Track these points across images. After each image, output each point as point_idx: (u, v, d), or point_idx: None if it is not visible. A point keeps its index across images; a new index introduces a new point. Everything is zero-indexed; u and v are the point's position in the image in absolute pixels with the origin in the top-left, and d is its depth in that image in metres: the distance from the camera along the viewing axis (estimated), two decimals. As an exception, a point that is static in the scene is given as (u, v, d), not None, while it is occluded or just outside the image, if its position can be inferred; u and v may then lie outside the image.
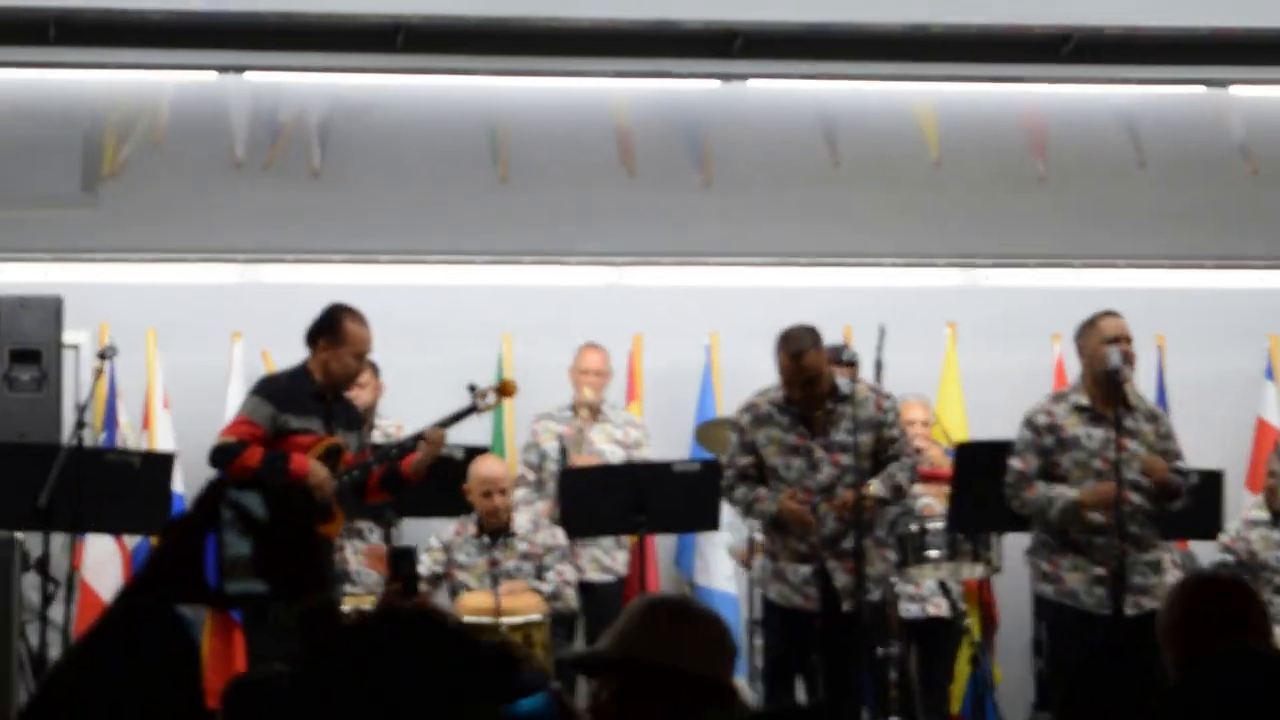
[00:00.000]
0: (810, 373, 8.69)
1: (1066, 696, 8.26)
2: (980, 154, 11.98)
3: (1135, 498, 8.66)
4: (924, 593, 10.30)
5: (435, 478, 9.17)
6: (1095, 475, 8.71)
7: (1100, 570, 8.69)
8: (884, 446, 8.82)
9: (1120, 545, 8.57)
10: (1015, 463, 8.83)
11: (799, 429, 8.78)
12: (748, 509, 8.90)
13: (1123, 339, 8.78)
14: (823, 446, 8.74)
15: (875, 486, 8.76)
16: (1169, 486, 8.68)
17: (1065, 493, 8.66)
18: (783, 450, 8.76)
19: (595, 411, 10.95)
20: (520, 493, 10.59)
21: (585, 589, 10.42)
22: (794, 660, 8.86)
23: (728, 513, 9.96)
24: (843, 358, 9.33)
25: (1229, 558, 10.30)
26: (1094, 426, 8.79)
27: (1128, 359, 8.77)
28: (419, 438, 8.93)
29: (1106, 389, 8.77)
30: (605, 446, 10.84)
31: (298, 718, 2.56)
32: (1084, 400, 8.84)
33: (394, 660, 2.64)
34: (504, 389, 9.42)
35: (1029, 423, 8.90)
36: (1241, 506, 10.74)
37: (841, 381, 8.87)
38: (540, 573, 9.98)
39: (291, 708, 2.62)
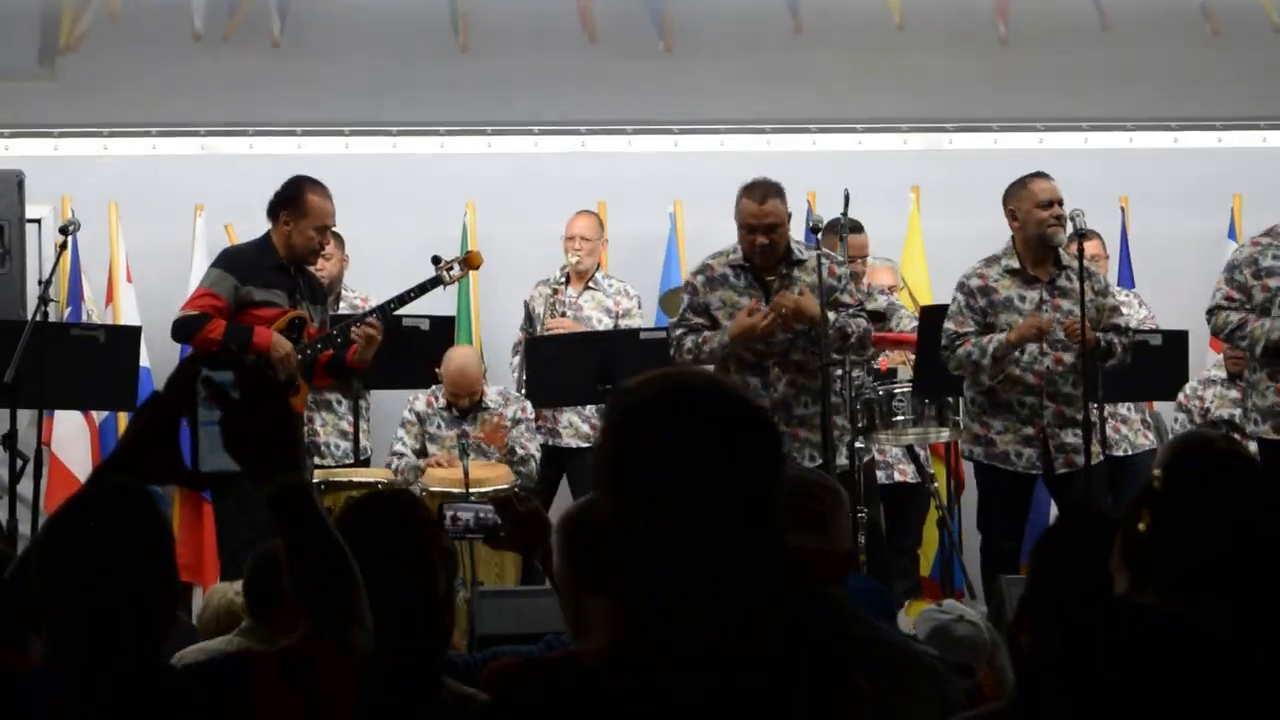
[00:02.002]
0: (771, 219, 8.65)
1: (999, 558, 8.37)
2: (942, 17, 11.95)
3: (1067, 358, 8.69)
4: (889, 459, 10.35)
5: (403, 350, 9.17)
6: None
7: (1030, 430, 8.74)
8: (837, 310, 8.79)
9: (1055, 408, 8.63)
10: (949, 325, 8.86)
11: (753, 291, 8.74)
12: (697, 356, 8.77)
13: (1055, 202, 8.78)
14: (776, 310, 8.69)
15: (830, 320, 8.69)
16: (1095, 346, 8.69)
17: (995, 336, 8.70)
18: (736, 312, 8.71)
19: (585, 278, 10.90)
20: (517, 358, 10.63)
21: (565, 454, 10.44)
22: None
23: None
24: (817, 222, 9.28)
25: (1182, 416, 10.38)
26: (1027, 288, 8.81)
27: (1059, 221, 8.76)
28: (357, 322, 8.88)
29: (1040, 251, 8.79)
30: (594, 313, 10.79)
31: None
32: (1015, 263, 8.85)
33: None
34: (469, 260, 9.40)
35: (961, 285, 8.92)
36: (1205, 365, 10.81)
37: (797, 245, 8.85)
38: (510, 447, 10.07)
39: None
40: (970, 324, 8.81)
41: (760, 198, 8.64)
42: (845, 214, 9.53)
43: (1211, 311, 8.78)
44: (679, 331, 8.82)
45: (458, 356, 10.12)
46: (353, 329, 8.84)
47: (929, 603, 6.42)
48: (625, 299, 10.91)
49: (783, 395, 8.68)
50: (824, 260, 8.78)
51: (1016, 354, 8.70)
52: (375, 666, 3.10)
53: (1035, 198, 8.78)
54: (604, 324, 10.73)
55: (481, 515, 4.66)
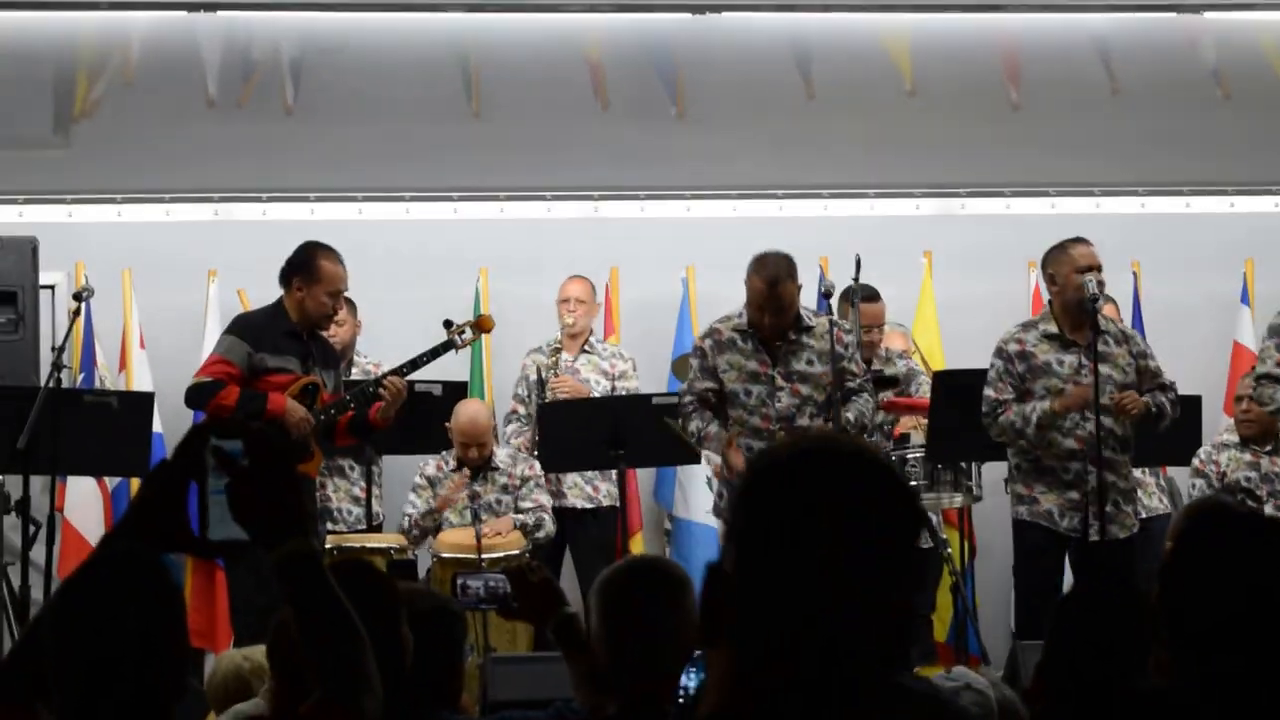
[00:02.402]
0: (782, 301, 8.69)
1: (1035, 616, 8.33)
2: (954, 83, 11.99)
3: (1108, 422, 8.69)
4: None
5: (414, 415, 9.19)
6: None
7: (1074, 495, 8.73)
8: (842, 379, 8.82)
9: (1099, 473, 8.62)
10: (989, 391, 8.86)
11: (760, 356, 8.78)
12: (696, 442, 8.86)
13: (1094, 267, 8.81)
14: (783, 375, 8.75)
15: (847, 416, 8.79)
16: (1147, 412, 8.71)
17: (1039, 405, 8.71)
18: (743, 377, 8.76)
19: (580, 342, 10.95)
20: (511, 426, 10.63)
21: (572, 515, 10.45)
22: None
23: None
24: (829, 287, 9.30)
25: (1200, 481, 10.36)
26: (1064, 353, 8.82)
27: (1101, 286, 8.80)
28: (379, 383, 8.91)
29: (1078, 316, 8.80)
30: (591, 376, 10.84)
31: None
32: (1053, 328, 8.87)
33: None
34: (480, 325, 9.43)
35: (1000, 351, 8.93)
36: (1218, 429, 10.79)
37: (806, 312, 8.88)
38: (517, 505, 10.04)
39: None
40: (1009, 391, 8.81)
41: (770, 279, 8.65)
42: (857, 279, 9.55)
43: (1260, 379, 8.77)
44: (688, 400, 8.86)
45: (468, 408, 10.13)
46: (383, 382, 8.86)
47: (941, 669, 6.40)
48: (621, 361, 10.97)
49: None
50: (834, 326, 8.81)
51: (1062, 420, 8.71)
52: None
53: (1075, 262, 8.80)
54: (601, 386, 10.78)
55: (492, 584, 4.66)
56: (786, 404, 8.71)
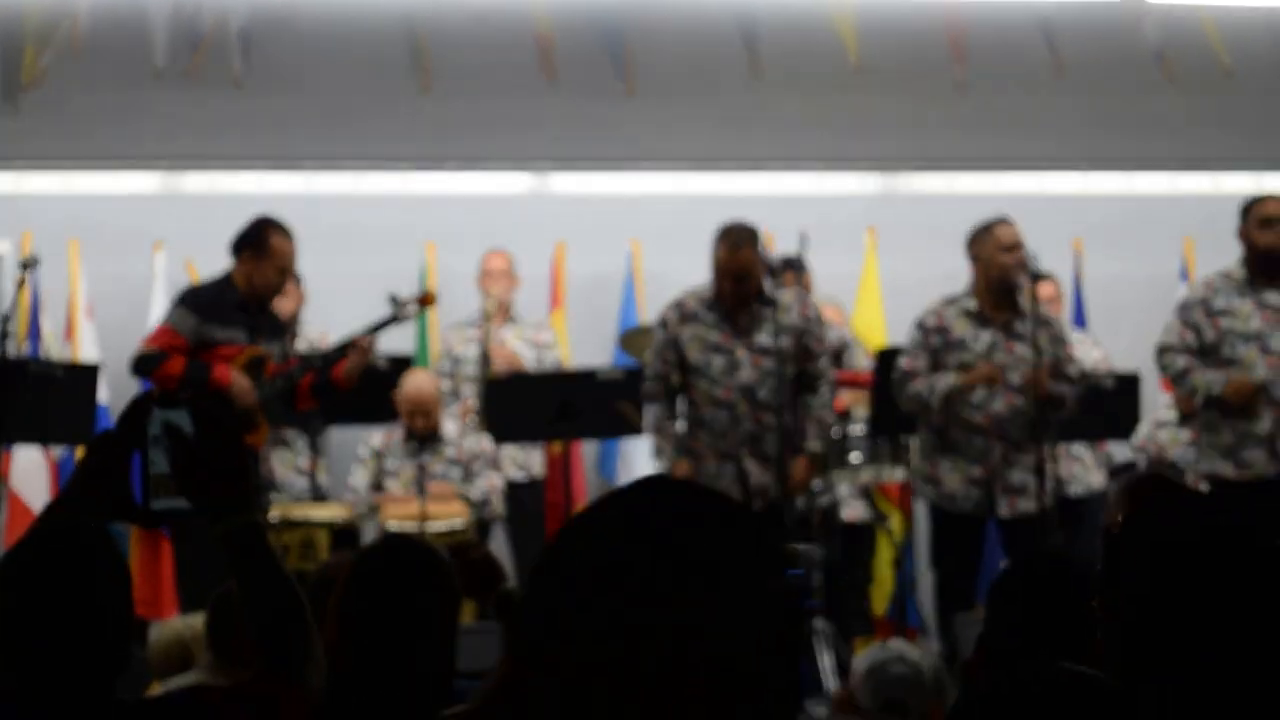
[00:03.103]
0: (744, 268, 8.77)
1: (956, 595, 8.40)
2: (899, 61, 12.06)
3: (1017, 401, 8.78)
4: (837, 497, 10.41)
5: (360, 386, 9.20)
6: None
7: (978, 471, 8.82)
8: (806, 356, 8.91)
9: (1001, 450, 8.71)
10: (902, 361, 8.97)
11: (723, 328, 8.86)
12: (654, 430, 8.98)
13: (1016, 247, 8.90)
14: (745, 347, 8.83)
15: (815, 444, 8.90)
16: (1051, 398, 8.79)
17: (947, 378, 8.80)
18: (705, 348, 8.85)
19: (505, 314, 11.01)
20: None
21: (507, 487, 10.52)
22: None
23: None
24: (773, 263, 9.38)
25: (1140, 457, 10.47)
26: (981, 329, 8.91)
27: (1022, 266, 8.88)
28: (347, 345, 8.95)
29: (999, 295, 8.89)
30: (518, 344, 10.92)
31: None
32: (973, 305, 8.95)
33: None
34: (425, 299, 9.45)
35: (919, 324, 9.03)
36: (1157, 406, 10.90)
37: (768, 285, 8.97)
38: (468, 477, 10.08)
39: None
40: (923, 361, 8.91)
41: (732, 245, 8.76)
42: (801, 255, 9.62)
43: (1162, 350, 8.87)
44: (651, 382, 8.98)
45: (414, 377, 10.17)
46: (355, 339, 8.88)
47: (878, 641, 6.48)
48: (545, 332, 11.10)
49: (748, 432, 8.78)
50: (796, 302, 8.95)
51: (968, 395, 8.79)
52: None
53: (999, 242, 8.89)
54: (529, 357, 10.85)
55: None
56: (748, 375, 8.79)
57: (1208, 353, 8.74)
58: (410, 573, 3.81)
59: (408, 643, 3.73)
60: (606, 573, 1.86)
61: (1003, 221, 9.00)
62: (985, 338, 8.88)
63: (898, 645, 5.69)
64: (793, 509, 8.97)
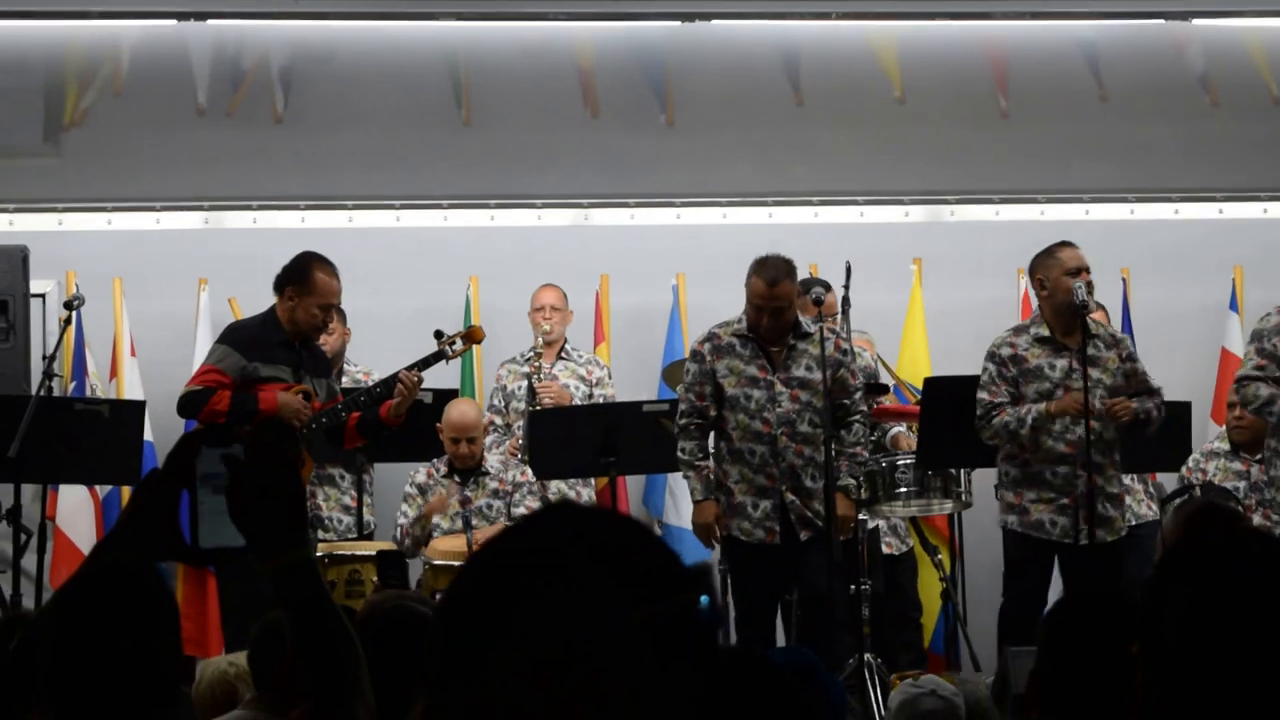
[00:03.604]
0: (781, 301, 8.73)
1: (1020, 625, 8.33)
2: (943, 90, 12.02)
3: (1098, 426, 8.73)
4: (878, 530, 10.35)
5: (405, 423, 9.17)
6: None
7: (1065, 500, 8.77)
8: (840, 389, 8.86)
9: (1089, 477, 8.65)
10: (983, 395, 8.90)
11: (760, 361, 8.82)
12: (685, 465, 8.93)
13: (1083, 270, 8.85)
14: (782, 381, 8.79)
15: (848, 481, 8.85)
16: (1135, 420, 8.76)
17: (1033, 409, 8.75)
18: (743, 381, 8.81)
19: (556, 349, 10.97)
20: (489, 438, 10.63)
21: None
22: (768, 599, 8.91)
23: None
24: (811, 295, 9.34)
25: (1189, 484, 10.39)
26: (1056, 356, 8.86)
27: (1089, 289, 8.84)
28: (393, 382, 8.92)
29: (1068, 320, 8.84)
30: (569, 382, 10.87)
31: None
32: (1045, 331, 8.90)
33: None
34: (471, 335, 9.42)
35: (992, 355, 8.97)
36: (1208, 437, 10.82)
37: (804, 320, 8.93)
38: (510, 511, 10.04)
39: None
40: (1004, 394, 8.86)
41: (770, 280, 8.74)
42: (847, 286, 9.59)
43: (1241, 381, 8.80)
44: (685, 419, 8.93)
45: (458, 404, 10.14)
46: (399, 377, 8.85)
47: (914, 676, 6.43)
48: (597, 368, 11.03)
49: (790, 465, 8.74)
50: (830, 335, 8.89)
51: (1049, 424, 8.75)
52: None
53: (1064, 265, 8.85)
54: (580, 392, 10.80)
55: None
56: (787, 409, 8.75)
57: None
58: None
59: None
60: (490, 607, 1.81)
61: (1066, 244, 8.95)
62: (1061, 364, 8.83)
63: (931, 680, 5.64)
64: (841, 544, 8.91)
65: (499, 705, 1.77)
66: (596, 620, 1.77)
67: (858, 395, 8.99)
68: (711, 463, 8.89)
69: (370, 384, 9.40)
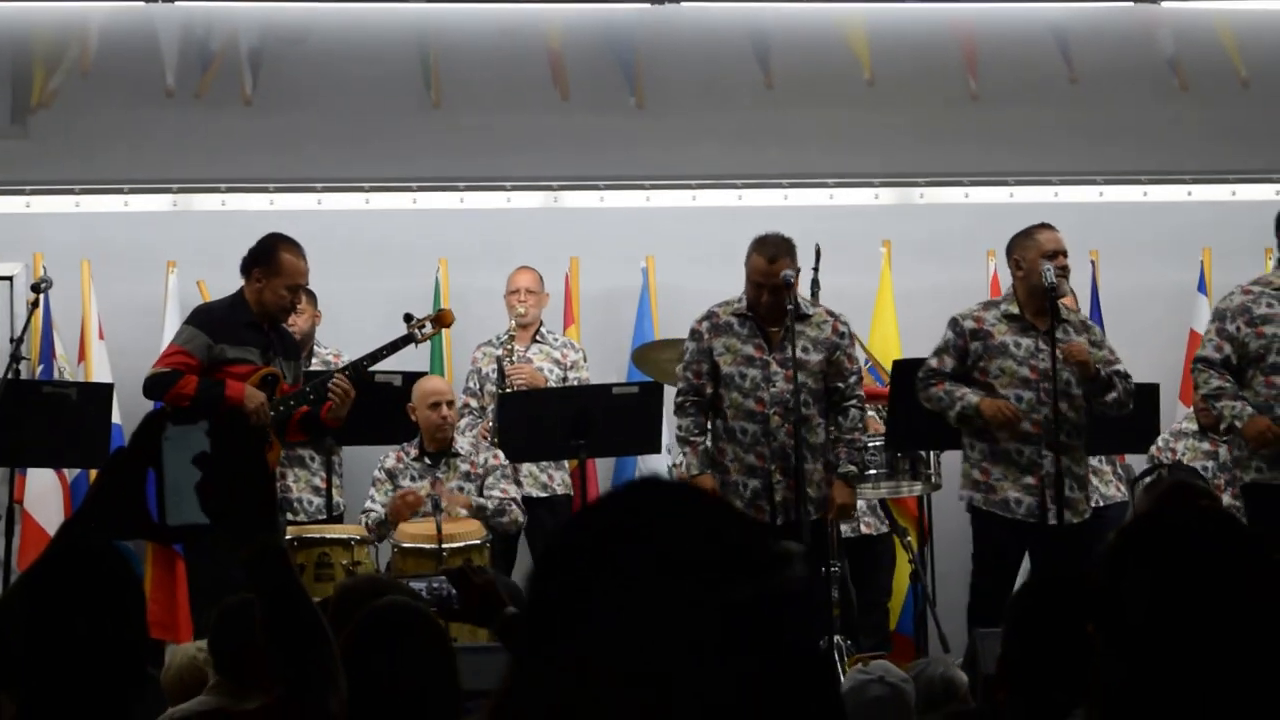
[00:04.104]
0: (779, 279, 8.75)
1: (991, 603, 8.33)
2: (912, 73, 12.02)
3: (1064, 407, 8.73)
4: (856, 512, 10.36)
5: (375, 406, 9.15)
6: (1022, 383, 8.79)
7: (1030, 480, 8.77)
8: (836, 372, 8.87)
9: (1055, 458, 8.66)
10: (932, 360, 8.94)
11: (757, 341, 8.83)
12: (681, 441, 8.94)
13: (1060, 253, 8.85)
14: (779, 361, 8.79)
15: (847, 467, 8.85)
16: (1093, 375, 8.75)
17: (969, 396, 8.75)
18: (739, 360, 8.81)
19: (531, 332, 10.95)
20: (463, 421, 10.61)
21: (527, 504, 10.44)
22: None
23: (668, 435, 10.01)
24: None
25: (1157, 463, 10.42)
26: (1023, 335, 8.86)
27: (1064, 273, 8.85)
28: (325, 386, 8.79)
29: (1040, 302, 8.84)
30: (543, 365, 10.85)
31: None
32: (1015, 309, 8.91)
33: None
34: (441, 319, 9.39)
35: (954, 323, 8.97)
36: (1176, 418, 10.85)
37: (804, 301, 8.95)
38: (482, 492, 10.02)
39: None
40: (950, 363, 8.87)
41: (770, 256, 8.74)
42: (817, 269, 9.59)
43: (1198, 362, 8.81)
44: (684, 396, 8.91)
45: (427, 378, 10.12)
46: (329, 385, 8.77)
47: (864, 661, 6.43)
48: (571, 352, 11.00)
49: (781, 445, 8.73)
50: (829, 318, 8.95)
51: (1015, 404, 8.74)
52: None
53: (1041, 248, 8.85)
54: (554, 376, 10.78)
55: (435, 587, 4.65)
56: (782, 388, 8.75)
57: (1252, 361, 8.66)
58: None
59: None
60: (585, 581, 1.77)
61: (1045, 226, 8.96)
62: (1027, 343, 8.84)
63: (880, 666, 5.62)
64: (823, 528, 8.93)
65: (588, 690, 1.73)
66: (688, 601, 1.72)
67: (854, 380, 9.00)
68: (708, 440, 8.88)
69: (340, 365, 9.36)
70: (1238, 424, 8.57)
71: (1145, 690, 2.38)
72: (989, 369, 8.84)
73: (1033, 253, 8.86)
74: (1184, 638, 2.36)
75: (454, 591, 4.44)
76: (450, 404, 9.99)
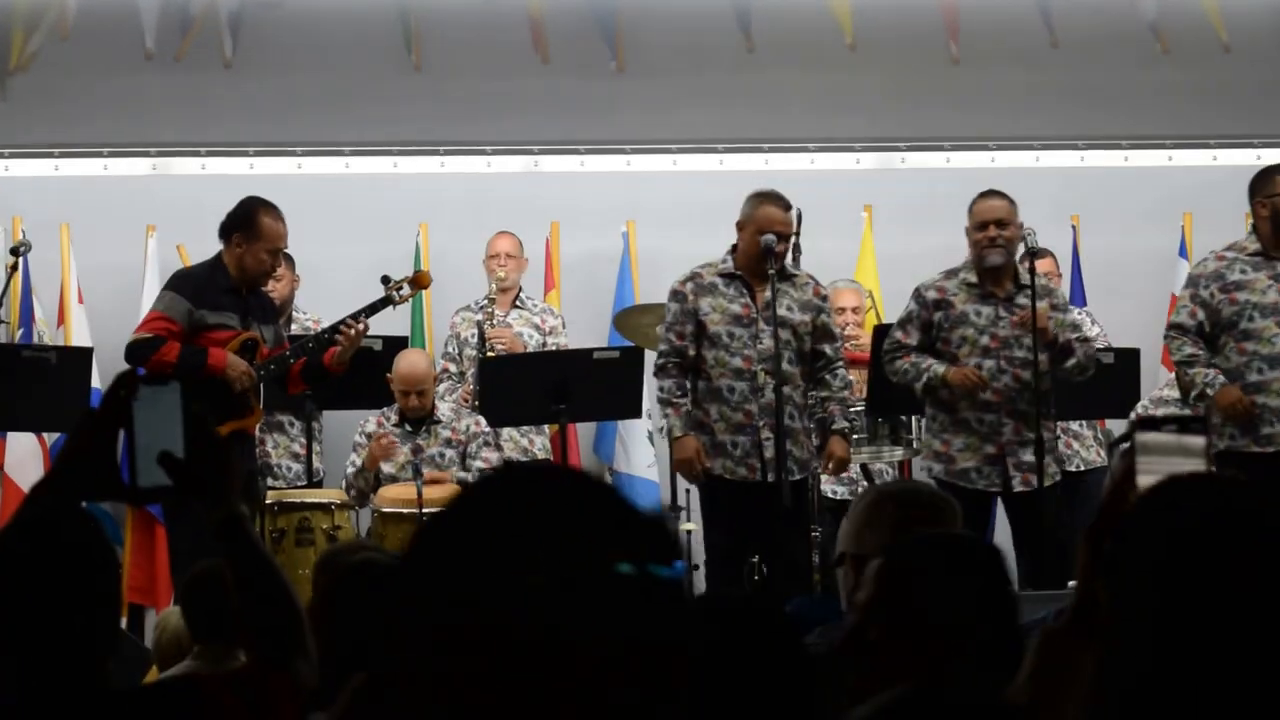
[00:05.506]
0: (788, 229, 8.81)
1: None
2: (894, 37, 12.00)
3: (1025, 375, 8.73)
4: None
5: (355, 370, 9.14)
6: (983, 352, 8.78)
7: (991, 449, 8.77)
8: (823, 334, 8.88)
9: (1014, 425, 8.67)
10: (896, 333, 8.94)
11: (744, 300, 8.82)
12: (664, 403, 8.94)
13: (992, 223, 8.80)
14: (765, 319, 8.78)
15: (843, 424, 8.89)
16: (1051, 339, 8.74)
17: (935, 367, 8.75)
18: (727, 319, 8.80)
19: (511, 297, 10.94)
20: (442, 386, 10.59)
21: (506, 469, 10.43)
22: (744, 541, 8.76)
23: (648, 399, 10.00)
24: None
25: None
26: (982, 304, 8.85)
27: (993, 243, 8.78)
28: (338, 328, 8.86)
29: (994, 270, 8.85)
30: (523, 330, 10.84)
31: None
32: (974, 277, 8.89)
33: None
34: (418, 280, 9.38)
35: (918, 294, 8.97)
36: (1157, 383, 10.86)
37: (789, 262, 8.98)
38: (464, 460, 10.00)
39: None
40: (915, 336, 8.87)
41: (785, 205, 8.79)
42: (798, 233, 9.56)
43: (1172, 329, 8.82)
44: (666, 358, 8.90)
45: (408, 356, 10.08)
46: (340, 328, 8.79)
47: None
48: (551, 317, 11.00)
49: (769, 402, 8.73)
50: (809, 281, 8.97)
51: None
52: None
53: (974, 218, 8.86)
54: (534, 341, 10.78)
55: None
56: (769, 345, 8.75)
57: (1225, 328, 8.67)
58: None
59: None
60: (445, 578, 1.76)
61: (984, 195, 8.92)
62: (987, 311, 8.83)
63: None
64: (804, 489, 8.96)
65: (456, 673, 1.71)
66: (561, 582, 1.71)
67: (838, 344, 9.02)
68: (689, 401, 8.86)
69: (320, 330, 9.35)
70: (1209, 392, 8.59)
71: (1153, 653, 2.37)
72: (951, 338, 8.84)
73: (970, 224, 8.87)
74: (1202, 590, 2.35)
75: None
76: (422, 393, 9.92)
